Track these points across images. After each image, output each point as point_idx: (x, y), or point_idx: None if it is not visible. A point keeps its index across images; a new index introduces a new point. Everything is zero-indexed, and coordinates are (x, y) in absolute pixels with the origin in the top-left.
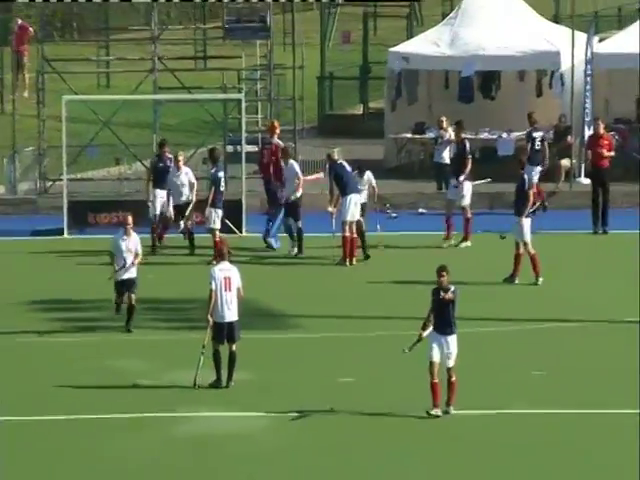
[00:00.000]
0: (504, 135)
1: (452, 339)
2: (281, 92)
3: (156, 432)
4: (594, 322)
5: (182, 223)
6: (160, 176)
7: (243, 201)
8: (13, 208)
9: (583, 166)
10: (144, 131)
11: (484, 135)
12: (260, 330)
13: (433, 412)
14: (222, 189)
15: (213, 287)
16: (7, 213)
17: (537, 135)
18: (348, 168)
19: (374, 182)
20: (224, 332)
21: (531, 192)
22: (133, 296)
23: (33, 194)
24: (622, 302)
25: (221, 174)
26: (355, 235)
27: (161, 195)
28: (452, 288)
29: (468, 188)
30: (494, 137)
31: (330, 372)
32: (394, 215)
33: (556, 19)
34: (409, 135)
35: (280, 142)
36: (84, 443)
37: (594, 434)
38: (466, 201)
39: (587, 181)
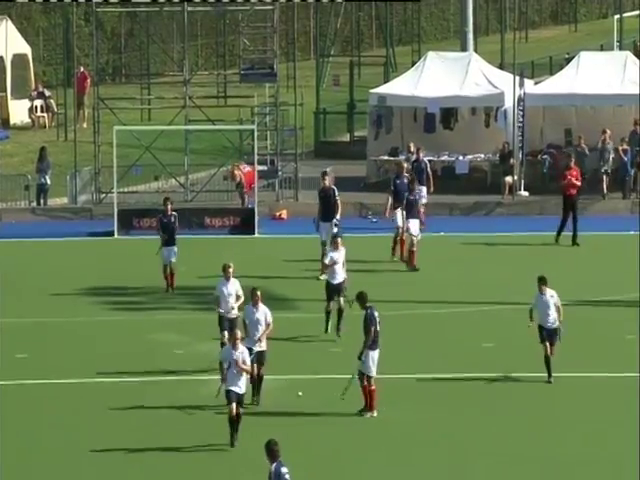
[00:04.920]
0: (460, 157)
1: (376, 353)
2: (285, 123)
3: (188, 391)
4: None
5: None
6: (399, 195)
7: (255, 209)
8: (74, 215)
9: (523, 182)
10: (177, 154)
11: (444, 157)
12: (273, 310)
13: (367, 415)
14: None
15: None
16: (70, 219)
17: (427, 161)
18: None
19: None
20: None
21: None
22: (241, 410)
23: (90, 204)
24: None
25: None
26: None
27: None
28: (374, 314)
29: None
30: (452, 159)
31: (323, 343)
32: (374, 220)
33: (501, 66)
34: (386, 157)
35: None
36: (130, 399)
37: (523, 391)
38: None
39: (526, 194)
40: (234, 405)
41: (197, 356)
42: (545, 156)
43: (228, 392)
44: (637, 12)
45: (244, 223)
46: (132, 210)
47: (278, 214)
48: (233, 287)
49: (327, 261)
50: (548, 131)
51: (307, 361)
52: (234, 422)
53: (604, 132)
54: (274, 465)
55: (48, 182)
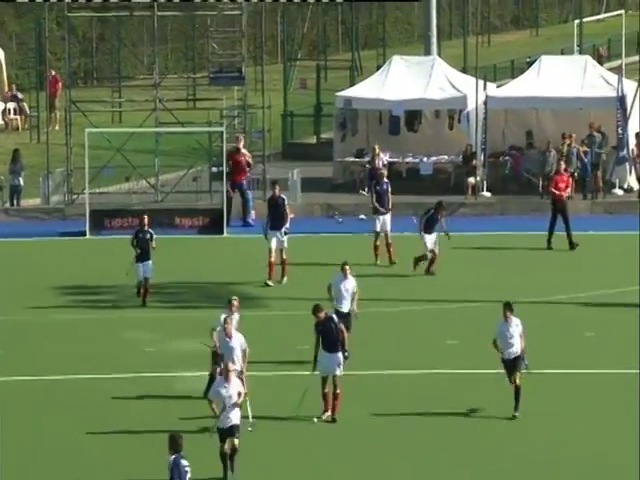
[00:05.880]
0: (424, 159)
1: (339, 355)
2: (253, 126)
3: (158, 388)
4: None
5: None
6: (380, 201)
7: (224, 209)
8: (47, 215)
9: (485, 183)
10: (148, 156)
11: (409, 159)
12: (242, 309)
13: (324, 417)
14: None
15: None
16: (42, 219)
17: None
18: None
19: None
20: None
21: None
22: (236, 441)
23: (62, 204)
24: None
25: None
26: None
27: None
28: (334, 317)
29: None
30: (417, 160)
31: (292, 341)
32: (340, 220)
33: (464, 70)
34: (352, 159)
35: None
36: (100, 397)
37: (484, 388)
38: (285, 244)
39: (489, 194)
40: (227, 441)
41: (168, 354)
42: (507, 158)
43: (220, 429)
44: (596, 17)
45: (213, 223)
46: (103, 211)
47: None
48: (238, 342)
49: (333, 291)
50: (510, 133)
51: (276, 358)
52: (226, 457)
53: (570, 137)
54: (174, 457)
55: (21, 183)
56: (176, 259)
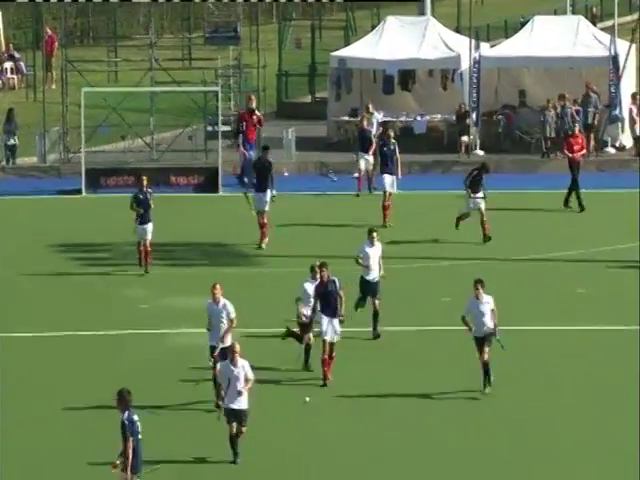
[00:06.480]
0: (418, 118)
1: (337, 321)
2: (248, 85)
3: (152, 343)
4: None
5: None
6: (386, 161)
7: (219, 168)
8: (43, 173)
9: (478, 141)
10: (143, 114)
11: (403, 118)
12: (238, 266)
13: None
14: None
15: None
16: (39, 177)
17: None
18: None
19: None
20: None
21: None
22: (244, 429)
23: (58, 163)
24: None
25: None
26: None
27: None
28: (337, 282)
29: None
30: (410, 119)
31: (289, 296)
32: (335, 179)
33: (458, 30)
34: (346, 118)
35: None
36: (96, 352)
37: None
38: (267, 207)
39: (482, 153)
40: (234, 425)
41: (162, 310)
42: (500, 116)
43: (228, 410)
44: None
45: (208, 182)
46: (99, 169)
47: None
48: (224, 310)
49: (361, 257)
50: (503, 92)
51: (270, 317)
52: (235, 440)
53: (564, 97)
54: (127, 413)
55: (16, 143)
56: (171, 217)
